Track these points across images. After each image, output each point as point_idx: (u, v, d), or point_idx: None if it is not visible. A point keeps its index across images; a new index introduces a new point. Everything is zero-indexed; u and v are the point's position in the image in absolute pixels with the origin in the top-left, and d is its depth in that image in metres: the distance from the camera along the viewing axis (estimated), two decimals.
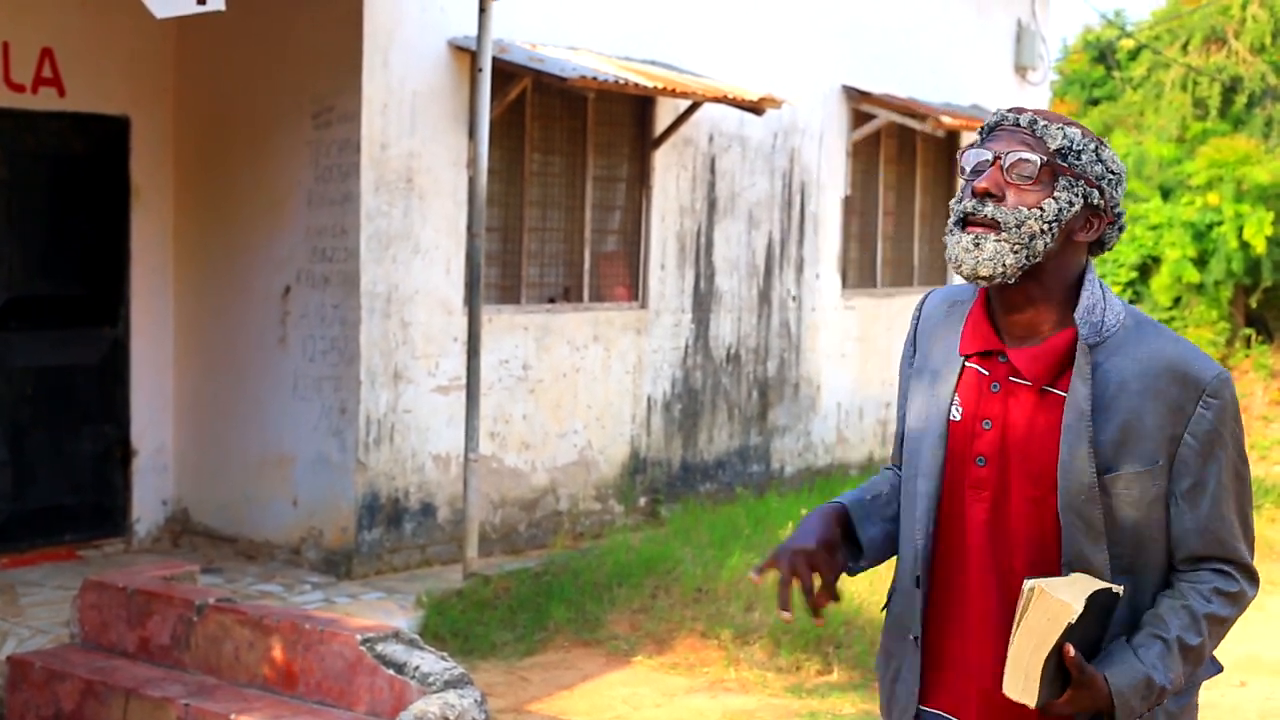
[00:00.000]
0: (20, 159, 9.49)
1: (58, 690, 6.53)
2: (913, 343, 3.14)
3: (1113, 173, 2.89)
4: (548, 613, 8.62)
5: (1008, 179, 2.85)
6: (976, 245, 2.84)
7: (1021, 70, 15.17)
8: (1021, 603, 2.72)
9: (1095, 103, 26.07)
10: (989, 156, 2.88)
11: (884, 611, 3.14)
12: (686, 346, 11.55)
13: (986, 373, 2.93)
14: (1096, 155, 2.88)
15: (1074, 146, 2.86)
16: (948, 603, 2.96)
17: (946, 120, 12.98)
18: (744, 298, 12.03)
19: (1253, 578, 2.94)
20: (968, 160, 2.92)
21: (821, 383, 12.89)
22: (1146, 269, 19.18)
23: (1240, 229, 18.29)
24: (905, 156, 13.89)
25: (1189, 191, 19.28)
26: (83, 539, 9.83)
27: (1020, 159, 2.84)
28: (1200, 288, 18.80)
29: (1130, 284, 19.37)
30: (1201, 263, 18.72)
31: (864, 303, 13.35)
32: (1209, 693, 8.14)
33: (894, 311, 13.53)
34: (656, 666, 8.11)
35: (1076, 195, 2.85)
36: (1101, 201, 2.88)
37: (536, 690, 7.70)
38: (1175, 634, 2.84)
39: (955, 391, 2.96)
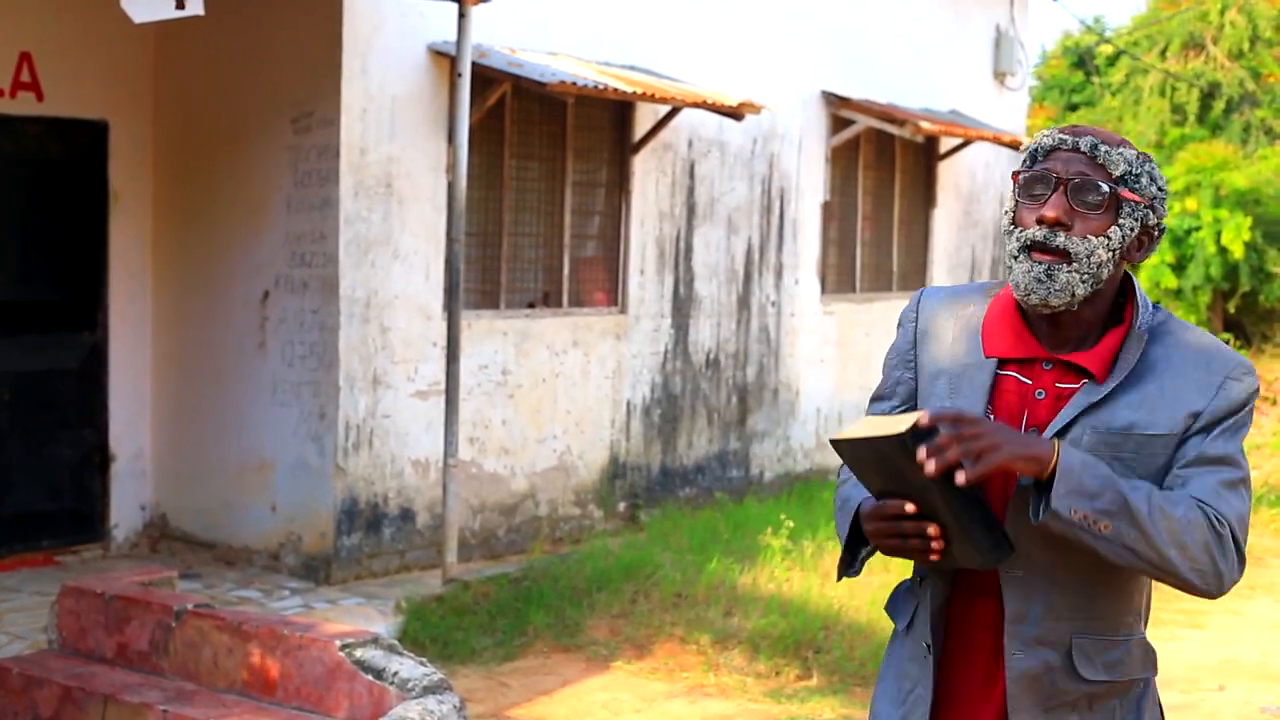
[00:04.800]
0: None
1: (35, 696, 6.50)
2: (912, 343, 3.08)
3: (1162, 190, 2.92)
4: (527, 618, 8.61)
5: (1074, 206, 2.84)
6: (1049, 276, 2.82)
7: (1000, 76, 15.22)
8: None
9: (1074, 108, 26.15)
10: (1051, 181, 2.86)
11: (906, 631, 3.07)
12: (666, 352, 11.55)
13: (1029, 381, 2.91)
14: (1150, 176, 2.90)
15: (1133, 170, 2.86)
16: (970, 612, 2.96)
17: (925, 125, 13.01)
18: (723, 303, 12.04)
19: (1241, 560, 2.84)
20: (1024, 184, 2.89)
21: (800, 388, 12.91)
22: None
23: (1218, 234, 18.35)
24: (884, 162, 13.92)
25: (1167, 197, 19.34)
26: (61, 544, 9.80)
27: (1086, 187, 2.83)
28: (1179, 293, 18.85)
29: None
30: (1180, 268, 18.78)
31: (843, 308, 13.37)
32: (1187, 696, 8.19)
33: (873, 317, 13.56)
34: (636, 671, 8.11)
35: (1136, 220, 2.87)
36: (1155, 220, 2.91)
37: (516, 696, 7.69)
38: (1159, 491, 2.77)
39: (990, 399, 2.92)
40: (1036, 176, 2.87)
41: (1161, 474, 2.84)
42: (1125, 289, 2.96)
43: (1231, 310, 19.13)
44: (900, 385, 3.09)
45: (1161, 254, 18.58)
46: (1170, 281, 18.61)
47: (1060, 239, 2.82)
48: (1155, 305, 2.96)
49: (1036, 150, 2.92)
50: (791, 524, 9.80)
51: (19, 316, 9.61)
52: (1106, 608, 2.90)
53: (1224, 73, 22.73)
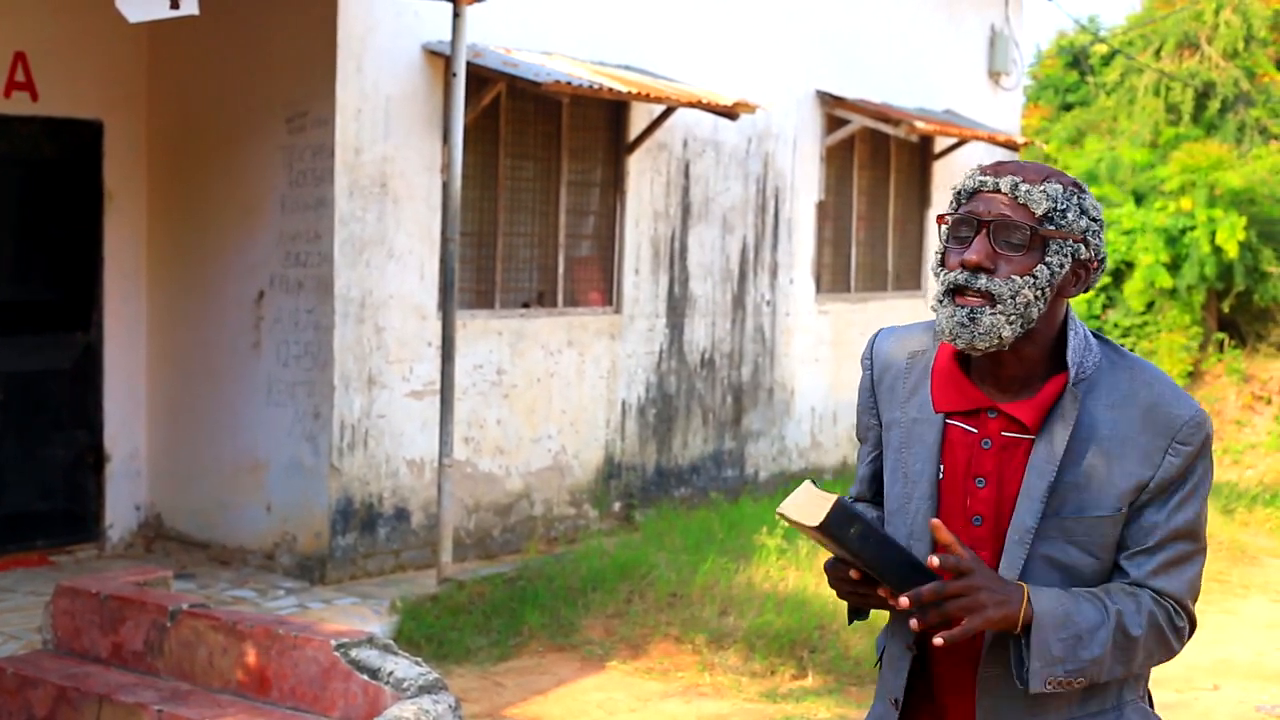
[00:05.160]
0: None
1: (30, 696, 6.50)
2: (871, 392, 3.07)
3: (1095, 221, 2.84)
4: (522, 618, 8.61)
5: (996, 249, 2.79)
6: (972, 320, 2.77)
7: (995, 75, 15.22)
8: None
9: (1069, 108, 26.13)
10: (974, 224, 2.82)
11: (877, 667, 3.10)
12: (661, 351, 11.55)
13: (974, 430, 2.87)
14: (1080, 209, 2.82)
15: (1058, 207, 2.80)
16: (938, 662, 2.94)
17: (920, 125, 13.01)
18: (718, 302, 12.04)
19: (1192, 627, 2.89)
20: (950, 227, 2.86)
21: (795, 387, 12.91)
22: (1119, 274, 19.22)
23: (1213, 234, 18.34)
24: (879, 161, 13.92)
25: (1162, 196, 19.32)
26: (55, 545, 9.80)
27: (1008, 228, 2.79)
28: (1173, 292, 18.85)
29: (1103, 289, 19.42)
30: (1174, 267, 18.77)
31: (838, 307, 13.37)
32: (1181, 695, 8.18)
33: (867, 316, 13.56)
34: (631, 671, 8.11)
35: (1065, 256, 2.80)
36: (1088, 254, 2.83)
37: (511, 695, 7.69)
38: (1116, 608, 2.76)
39: (940, 450, 2.91)
40: (961, 219, 2.84)
41: (1114, 548, 2.82)
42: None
43: (1226, 310, 19.13)
44: (869, 430, 3.09)
45: (1156, 253, 18.58)
46: (1165, 281, 18.61)
47: (982, 281, 2.77)
48: (1100, 338, 2.92)
49: (961, 192, 2.88)
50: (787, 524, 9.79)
51: (13, 316, 9.60)
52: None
53: (1219, 72, 22.72)
